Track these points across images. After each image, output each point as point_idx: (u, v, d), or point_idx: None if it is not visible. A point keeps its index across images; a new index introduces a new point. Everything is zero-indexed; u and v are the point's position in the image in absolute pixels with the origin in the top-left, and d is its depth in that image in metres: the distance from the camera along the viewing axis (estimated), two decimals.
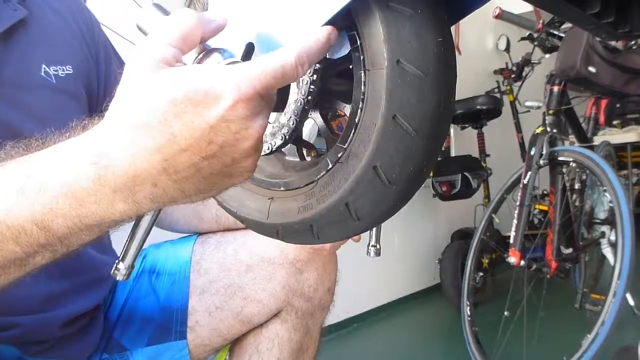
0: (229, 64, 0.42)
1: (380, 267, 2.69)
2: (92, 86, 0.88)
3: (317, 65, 0.46)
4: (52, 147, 0.43)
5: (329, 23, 0.43)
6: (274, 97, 0.41)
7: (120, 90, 0.39)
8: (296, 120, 0.49)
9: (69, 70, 0.83)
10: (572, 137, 2.40)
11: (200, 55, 0.42)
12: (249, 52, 0.47)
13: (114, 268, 0.56)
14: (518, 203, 1.93)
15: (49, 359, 0.81)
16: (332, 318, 2.16)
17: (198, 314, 0.93)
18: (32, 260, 0.45)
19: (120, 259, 0.55)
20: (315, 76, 0.47)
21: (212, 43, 0.44)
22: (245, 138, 0.38)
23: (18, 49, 0.77)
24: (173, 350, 0.92)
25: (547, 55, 2.43)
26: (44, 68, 0.79)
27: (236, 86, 0.37)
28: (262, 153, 0.51)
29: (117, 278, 0.55)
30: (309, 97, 0.47)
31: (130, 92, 0.38)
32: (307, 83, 0.47)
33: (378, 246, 0.67)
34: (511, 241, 1.87)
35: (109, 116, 0.40)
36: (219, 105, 0.37)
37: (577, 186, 2.28)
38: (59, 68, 0.81)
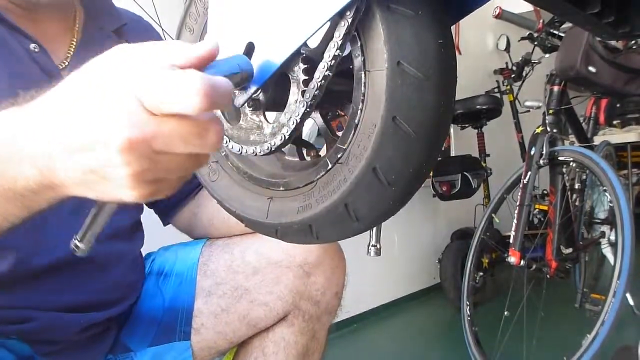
0: None
1: (380, 267, 2.69)
2: None
3: (328, 72, 0.45)
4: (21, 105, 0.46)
5: (329, 22, 0.43)
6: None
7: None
8: (296, 120, 0.49)
9: None
10: (572, 137, 2.40)
11: None
12: (249, 52, 0.47)
13: (72, 245, 0.55)
14: (518, 203, 1.92)
15: None
16: None
17: (204, 316, 0.92)
18: None
19: (79, 238, 0.54)
20: (324, 81, 0.46)
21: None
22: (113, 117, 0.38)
23: None
24: (176, 350, 0.92)
25: (547, 55, 2.42)
26: None
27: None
28: (262, 152, 0.51)
29: (76, 253, 0.54)
30: (313, 100, 0.47)
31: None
32: (314, 87, 0.46)
33: (378, 246, 0.66)
34: (511, 241, 1.86)
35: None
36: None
37: (577, 186, 2.27)
38: None
